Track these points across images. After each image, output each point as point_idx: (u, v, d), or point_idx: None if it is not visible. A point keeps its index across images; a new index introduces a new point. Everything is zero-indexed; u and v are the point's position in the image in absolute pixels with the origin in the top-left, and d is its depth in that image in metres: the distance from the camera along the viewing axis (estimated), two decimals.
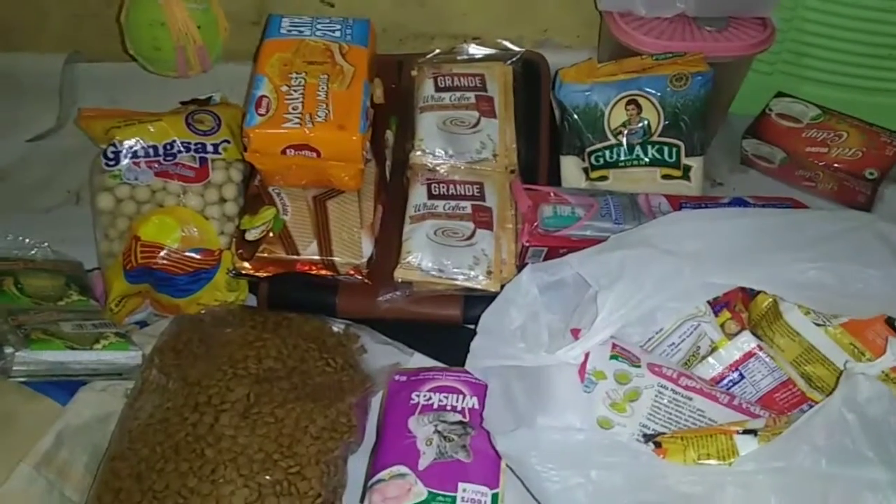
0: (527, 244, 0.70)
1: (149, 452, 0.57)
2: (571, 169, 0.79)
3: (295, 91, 0.70)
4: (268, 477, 0.55)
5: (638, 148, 0.77)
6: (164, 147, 0.74)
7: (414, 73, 0.83)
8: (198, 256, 0.72)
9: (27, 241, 0.79)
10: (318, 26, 0.76)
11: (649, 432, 0.56)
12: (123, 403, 0.63)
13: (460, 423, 0.62)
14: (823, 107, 0.86)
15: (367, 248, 0.72)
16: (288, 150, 0.69)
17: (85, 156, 0.81)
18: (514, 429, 0.54)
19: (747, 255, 0.57)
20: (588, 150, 0.78)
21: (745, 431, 0.51)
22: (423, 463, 0.60)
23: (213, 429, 0.58)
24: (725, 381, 0.61)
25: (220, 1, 0.87)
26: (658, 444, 0.52)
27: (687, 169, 0.77)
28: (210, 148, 0.76)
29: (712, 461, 0.50)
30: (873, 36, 0.83)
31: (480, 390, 0.63)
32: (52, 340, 0.62)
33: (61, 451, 0.60)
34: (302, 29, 0.76)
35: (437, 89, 0.80)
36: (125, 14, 0.84)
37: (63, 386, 0.63)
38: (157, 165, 0.74)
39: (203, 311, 0.72)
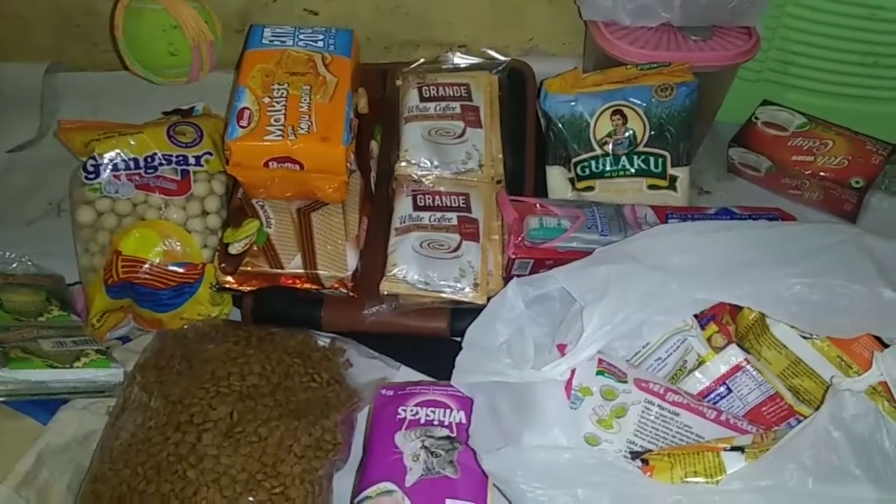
0: (513, 256, 0.69)
1: (130, 473, 0.56)
2: (557, 179, 0.79)
3: (277, 103, 0.70)
4: (251, 498, 0.55)
5: (624, 158, 0.77)
6: (145, 159, 0.73)
7: (398, 82, 0.83)
8: (180, 270, 0.71)
9: (7, 254, 0.77)
10: (301, 36, 0.75)
11: (637, 449, 0.55)
12: (105, 422, 0.63)
13: (447, 438, 0.62)
14: (809, 115, 0.86)
15: (353, 260, 0.71)
16: (270, 163, 0.68)
17: (66, 167, 0.80)
18: (500, 447, 0.54)
19: (734, 271, 0.57)
20: (574, 160, 0.77)
21: (733, 448, 0.51)
22: (410, 479, 0.59)
23: (195, 448, 0.57)
24: (713, 395, 0.60)
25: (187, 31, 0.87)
26: (645, 462, 0.52)
27: (673, 179, 0.77)
28: (192, 160, 0.75)
29: (699, 479, 0.50)
30: (858, 44, 0.83)
31: (468, 404, 0.63)
32: (31, 359, 0.61)
33: (41, 472, 0.59)
34: (284, 39, 0.75)
35: (422, 99, 0.79)
36: (123, 31, 0.83)
37: (43, 404, 0.62)
38: (138, 178, 0.73)
39: (186, 326, 0.71)
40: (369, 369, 0.70)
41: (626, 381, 0.57)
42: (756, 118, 0.87)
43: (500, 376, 0.58)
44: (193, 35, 0.83)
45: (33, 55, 0.96)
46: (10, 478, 0.57)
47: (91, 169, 0.73)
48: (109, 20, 0.87)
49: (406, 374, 0.71)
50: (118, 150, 0.73)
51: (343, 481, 0.62)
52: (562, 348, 0.58)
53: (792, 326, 0.58)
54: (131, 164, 0.73)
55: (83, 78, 0.97)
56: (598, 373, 0.57)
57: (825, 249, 0.57)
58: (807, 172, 0.83)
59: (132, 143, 0.73)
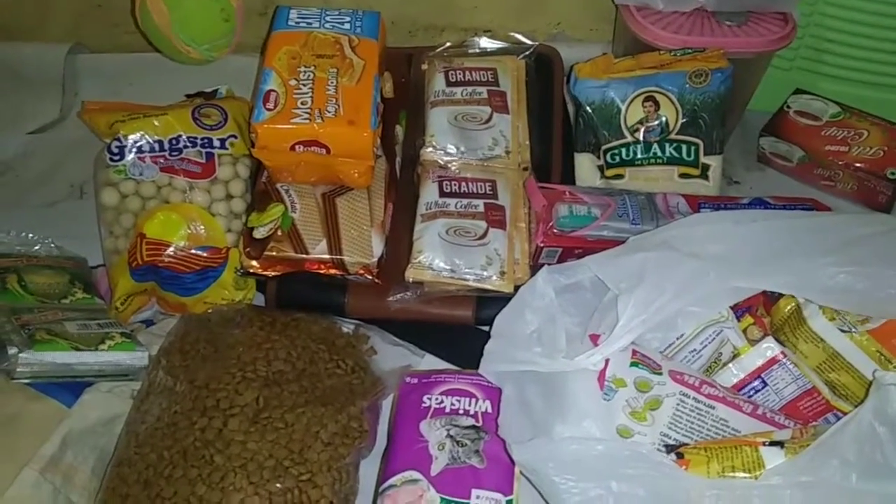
0: (542, 245, 0.68)
1: (156, 458, 0.56)
2: (586, 167, 0.78)
3: (304, 85, 0.69)
4: (278, 485, 0.54)
5: (655, 146, 0.75)
6: (170, 142, 0.73)
7: (424, 66, 0.81)
8: (204, 254, 0.70)
9: (30, 236, 0.77)
10: (327, 18, 0.74)
11: (670, 442, 0.54)
12: (130, 405, 0.62)
13: (473, 427, 0.61)
14: (843, 104, 0.85)
15: (378, 246, 0.70)
16: (297, 147, 0.67)
17: (88, 148, 0.80)
18: (530, 438, 0.53)
19: (773, 259, 0.56)
20: (603, 147, 0.76)
21: (771, 443, 0.49)
22: (435, 468, 0.58)
23: (221, 434, 0.56)
24: (748, 389, 0.59)
25: None
26: (680, 455, 0.51)
27: (705, 168, 0.75)
28: (217, 143, 0.74)
29: (737, 474, 0.48)
30: (893, 32, 0.81)
31: (494, 394, 0.62)
32: (56, 341, 0.61)
33: (66, 455, 0.58)
34: (311, 21, 0.74)
35: (448, 84, 0.78)
36: (170, 14, 0.80)
37: (68, 387, 0.62)
38: (162, 160, 0.72)
39: (210, 311, 0.70)
40: (394, 357, 0.69)
41: (660, 373, 0.56)
42: (788, 107, 0.85)
43: (531, 365, 0.57)
44: None
45: (54, 36, 0.95)
46: (35, 461, 0.56)
47: (115, 150, 0.72)
48: (131, 9, 0.85)
49: (430, 362, 0.71)
50: (143, 132, 0.72)
51: (368, 469, 0.62)
52: (594, 338, 0.57)
53: (830, 319, 0.57)
54: (156, 146, 0.72)
55: (104, 60, 0.96)
56: (633, 364, 0.56)
57: (865, 239, 0.56)
58: (840, 163, 0.81)
59: (157, 124, 0.73)
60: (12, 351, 0.59)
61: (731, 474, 0.48)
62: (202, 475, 0.54)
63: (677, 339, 0.60)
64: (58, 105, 0.93)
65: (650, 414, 0.55)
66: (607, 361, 0.55)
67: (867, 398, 0.48)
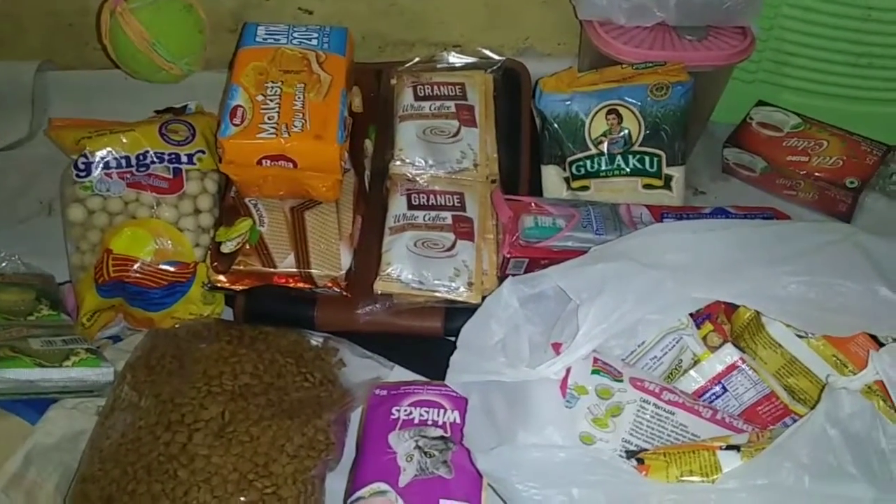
0: (508, 256, 0.69)
1: (120, 473, 0.56)
2: (552, 178, 0.79)
3: (271, 101, 0.69)
4: (242, 498, 0.54)
5: (619, 158, 0.76)
6: (137, 157, 0.73)
7: (393, 81, 0.82)
8: (172, 269, 0.70)
9: None
10: (295, 34, 0.75)
11: (632, 448, 0.55)
12: (95, 421, 0.62)
13: (441, 438, 0.61)
14: (804, 115, 0.86)
15: (346, 259, 0.70)
16: (264, 161, 0.68)
17: (58, 166, 0.79)
18: (494, 446, 0.53)
19: (729, 269, 0.57)
20: (569, 159, 0.77)
21: (728, 447, 0.50)
22: (403, 479, 0.58)
23: (185, 448, 0.56)
24: (708, 395, 0.60)
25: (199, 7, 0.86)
26: (640, 461, 0.51)
27: (668, 178, 0.77)
28: (184, 158, 0.74)
29: (695, 478, 0.49)
30: (853, 45, 0.83)
31: (462, 404, 0.62)
32: (20, 358, 0.60)
33: (30, 472, 0.58)
34: (278, 37, 0.74)
35: (417, 98, 0.79)
36: (149, 33, 0.80)
37: (32, 404, 0.61)
38: (129, 176, 0.72)
39: (178, 325, 0.70)
40: (363, 369, 0.69)
41: (621, 380, 0.57)
42: (751, 118, 0.87)
43: (495, 375, 0.57)
44: (196, 2, 0.82)
45: (24, 54, 0.95)
46: None
47: (82, 167, 0.72)
48: (98, 36, 0.85)
49: (400, 374, 0.71)
50: (110, 148, 0.72)
51: (336, 482, 0.62)
52: (557, 347, 0.58)
53: (788, 325, 0.58)
54: (123, 162, 0.72)
55: (74, 76, 0.96)
56: (594, 371, 0.57)
57: (821, 248, 0.57)
58: (801, 173, 0.83)
59: (124, 140, 0.73)
60: None
61: (689, 478, 0.49)
62: (165, 490, 0.54)
63: (638, 346, 0.61)
64: (27, 122, 0.93)
65: (612, 420, 0.55)
66: (569, 370, 0.56)
67: (819, 402, 0.49)
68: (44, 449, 0.59)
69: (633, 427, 0.55)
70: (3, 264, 0.76)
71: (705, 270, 0.57)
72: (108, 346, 0.70)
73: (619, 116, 0.75)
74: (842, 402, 0.48)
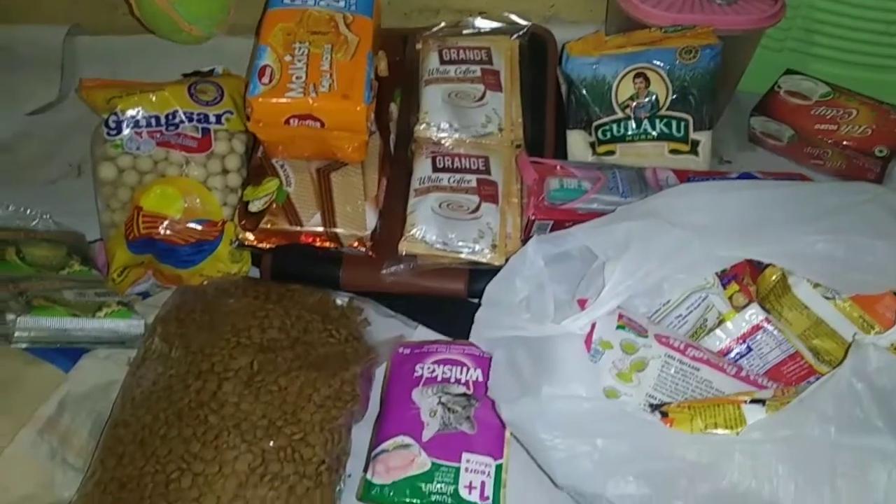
0: (533, 217, 0.69)
1: (152, 419, 0.57)
2: (578, 143, 0.79)
3: (298, 61, 0.69)
4: (271, 443, 0.55)
5: (646, 122, 0.76)
6: (167, 117, 0.73)
7: (419, 46, 0.82)
8: (200, 227, 0.71)
9: (28, 211, 0.78)
10: None
11: (655, 402, 0.55)
12: (126, 372, 0.63)
13: (464, 395, 0.62)
14: (833, 84, 0.85)
15: (371, 220, 0.71)
16: (291, 120, 0.68)
17: (86, 129, 0.80)
18: (518, 397, 0.54)
19: (756, 228, 0.57)
20: (595, 124, 0.77)
21: (753, 401, 0.50)
22: (426, 434, 0.59)
23: (216, 395, 0.57)
24: (733, 354, 0.60)
25: None
26: (664, 414, 0.52)
27: (695, 143, 0.76)
28: (213, 118, 0.75)
29: (719, 430, 0.49)
30: (884, 13, 0.82)
31: (484, 363, 0.63)
32: (54, 307, 0.62)
33: (63, 418, 0.60)
34: None
35: (442, 62, 0.79)
36: None
37: (65, 353, 0.63)
38: (159, 135, 0.73)
39: (206, 283, 0.71)
40: (387, 328, 0.70)
41: (646, 336, 0.57)
42: (779, 87, 0.86)
43: (520, 331, 0.57)
44: None
45: (50, 18, 0.96)
46: (33, 422, 0.58)
47: (113, 125, 0.73)
48: None
49: (423, 333, 0.71)
50: (140, 107, 0.73)
51: (361, 434, 0.63)
52: (582, 303, 0.58)
53: (815, 286, 0.58)
54: (153, 121, 0.73)
55: (102, 41, 0.97)
56: (619, 327, 0.57)
57: (848, 207, 0.57)
58: (829, 142, 0.82)
59: (154, 100, 0.74)
60: (10, 317, 0.61)
61: (713, 430, 0.49)
62: (196, 434, 0.55)
63: (663, 304, 0.61)
64: (56, 87, 0.94)
65: (636, 375, 0.56)
66: (594, 325, 0.56)
67: (846, 358, 0.49)
68: (77, 396, 0.61)
69: (658, 382, 0.56)
70: (35, 222, 0.77)
71: (732, 229, 0.57)
72: (138, 301, 0.71)
73: (647, 80, 0.75)
74: (869, 357, 0.48)
